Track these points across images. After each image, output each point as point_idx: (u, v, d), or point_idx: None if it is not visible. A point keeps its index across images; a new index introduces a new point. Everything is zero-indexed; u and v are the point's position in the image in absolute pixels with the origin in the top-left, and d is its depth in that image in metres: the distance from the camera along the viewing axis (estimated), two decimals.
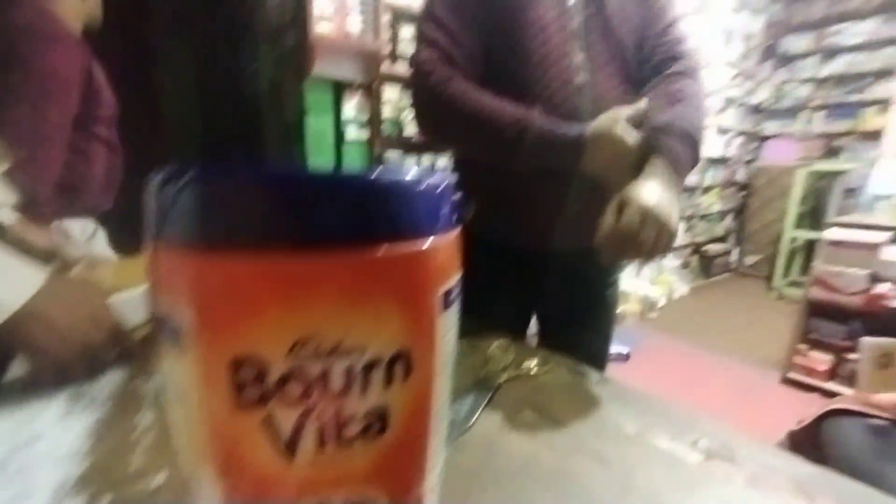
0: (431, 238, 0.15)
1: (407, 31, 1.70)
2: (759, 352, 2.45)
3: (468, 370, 0.57)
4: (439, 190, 0.16)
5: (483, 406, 0.48)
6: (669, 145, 0.60)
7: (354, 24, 1.55)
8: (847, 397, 0.87)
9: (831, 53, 3.87)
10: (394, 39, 1.70)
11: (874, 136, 3.26)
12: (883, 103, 3.25)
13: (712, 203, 3.98)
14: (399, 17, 1.68)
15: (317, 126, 1.68)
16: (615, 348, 2.37)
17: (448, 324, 0.18)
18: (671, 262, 3.64)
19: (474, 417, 0.47)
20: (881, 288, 1.85)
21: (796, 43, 4.05)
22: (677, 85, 0.66)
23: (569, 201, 0.70)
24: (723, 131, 3.90)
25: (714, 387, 2.17)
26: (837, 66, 3.83)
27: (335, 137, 1.72)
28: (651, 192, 0.56)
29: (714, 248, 4.03)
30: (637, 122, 0.61)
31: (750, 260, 4.22)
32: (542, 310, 0.87)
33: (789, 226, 3.62)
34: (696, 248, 3.92)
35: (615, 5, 0.68)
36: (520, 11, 0.66)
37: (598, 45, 0.68)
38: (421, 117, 0.71)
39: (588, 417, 0.48)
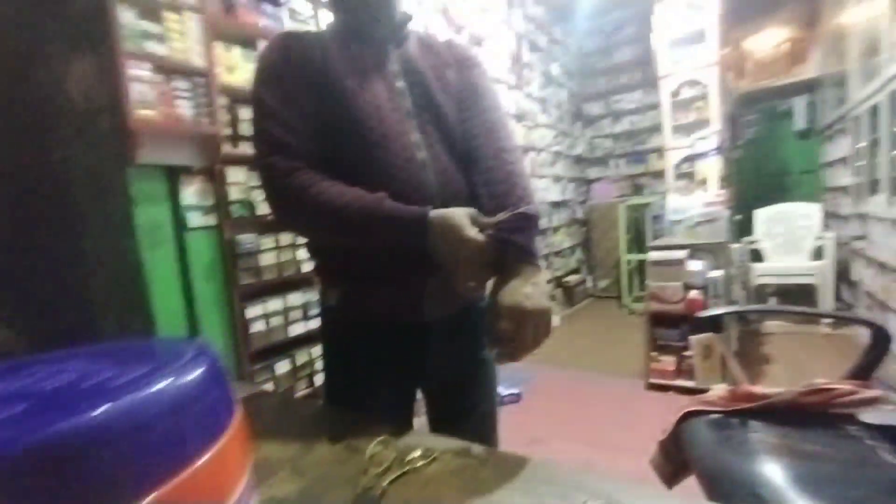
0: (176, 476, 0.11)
1: (246, 113, 1.64)
2: (626, 364, 2.76)
3: (349, 481, 0.50)
4: (189, 397, 0.12)
5: None
6: (517, 242, 0.64)
7: (186, 107, 1.45)
8: (691, 399, 1.00)
9: (618, 115, 5.04)
10: (233, 122, 1.62)
11: (661, 175, 4.18)
12: (659, 151, 4.23)
13: (562, 240, 4.55)
14: (236, 99, 1.62)
15: (151, 216, 1.49)
16: (508, 391, 2.43)
17: None
18: None
19: None
20: (693, 294, 2.28)
21: (593, 108, 5.20)
22: (507, 168, 0.71)
23: (433, 271, 0.70)
24: (558, 179, 4.59)
25: (597, 405, 2.36)
26: (623, 125, 5.01)
27: (175, 226, 1.54)
28: (515, 292, 0.60)
29: (572, 278, 4.56)
30: (484, 227, 0.63)
31: (602, 284, 4.86)
32: (425, 383, 0.84)
33: (622, 251, 4.33)
34: (559, 281, 4.38)
35: (437, 87, 0.73)
36: (352, 96, 0.68)
37: (430, 124, 0.72)
38: (274, 211, 0.70)
39: None
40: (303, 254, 1.80)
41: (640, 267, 4.06)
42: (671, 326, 2.38)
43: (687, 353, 2.33)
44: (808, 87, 4.17)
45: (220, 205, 1.60)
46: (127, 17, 1.29)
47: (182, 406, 0.11)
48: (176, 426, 0.10)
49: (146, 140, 1.36)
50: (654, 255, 2.44)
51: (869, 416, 0.52)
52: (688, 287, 2.30)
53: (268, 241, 1.71)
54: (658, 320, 2.42)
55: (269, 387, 1.70)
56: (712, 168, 3.43)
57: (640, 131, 4.82)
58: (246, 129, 1.64)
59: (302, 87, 0.67)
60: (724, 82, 3.59)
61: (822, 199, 3.75)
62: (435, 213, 0.63)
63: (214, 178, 1.58)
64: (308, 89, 0.67)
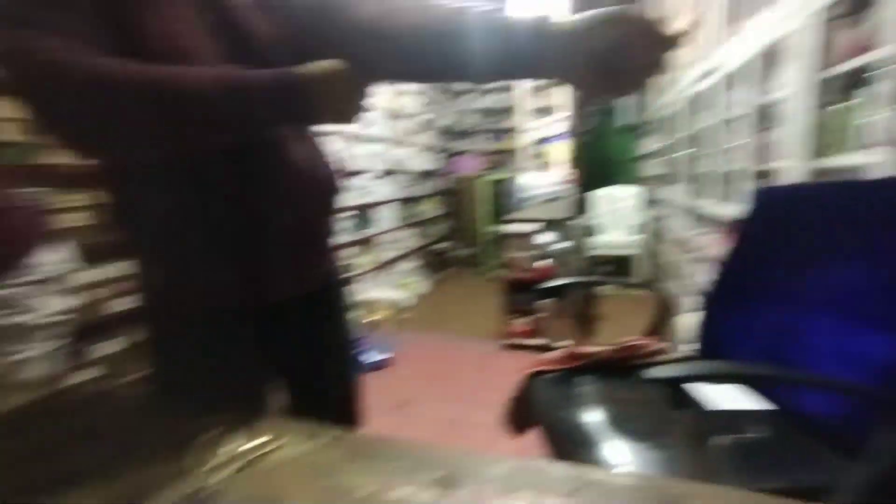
0: None
1: None
2: (487, 326, 2.99)
3: (176, 482, 0.43)
4: None
5: None
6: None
7: None
8: (535, 360, 1.12)
9: (483, 92, 5.20)
10: None
11: (513, 153, 4.55)
12: (512, 130, 4.58)
13: (429, 209, 4.67)
14: None
15: None
16: (376, 357, 2.46)
17: None
18: (410, 264, 4.07)
19: None
20: (543, 263, 2.56)
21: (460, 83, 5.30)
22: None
23: (271, 248, 0.62)
24: (426, 149, 4.65)
25: (460, 366, 2.54)
26: (486, 102, 5.22)
27: None
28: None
29: (441, 246, 4.75)
30: None
31: (467, 252, 5.17)
32: (279, 370, 0.76)
33: (482, 223, 4.64)
34: (428, 249, 4.53)
35: (261, 31, 0.60)
36: (152, 28, 0.51)
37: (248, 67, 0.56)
38: (58, 113, 0.45)
39: (325, 492, 0.42)
40: None
41: (500, 237, 4.43)
42: (524, 292, 2.65)
43: (538, 316, 2.64)
44: None
45: None
46: None
47: None
48: None
49: None
50: (508, 228, 2.67)
51: (647, 371, 0.67)
52: (538, 257, 2.58)
53: (70, 200, 1.35)
54: (513, 287, 2.67)
55: (88, 373, 1.41)
56: (561, 150, 3.84)
57: (502, 110, 5.06)
58: None
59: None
60: None
61: (644, 184, 4.53)
62: (302, 71, 0.51)
63: None
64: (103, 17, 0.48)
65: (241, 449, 0.48)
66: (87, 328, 1.39)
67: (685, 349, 1.22)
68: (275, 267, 0.64)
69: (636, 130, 4.75)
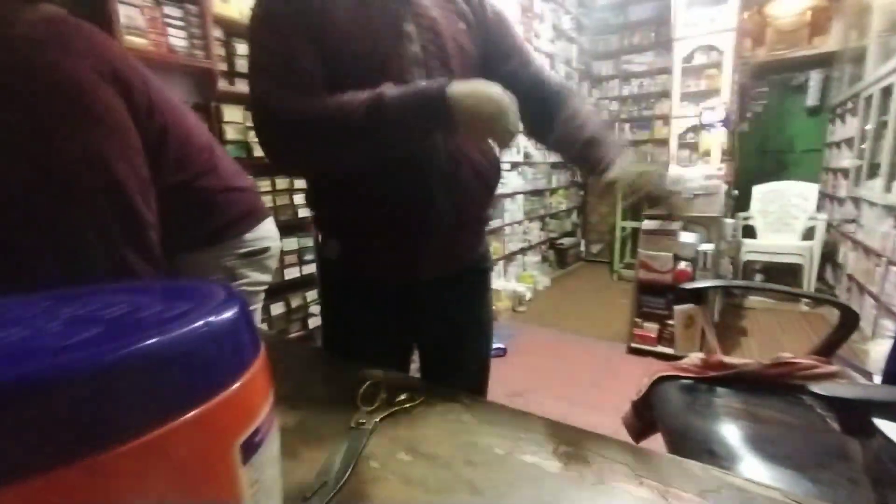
0: (209, 401, 0.12)
1: (242, 48, 1.57)
2: (610, 328, 2.85)
3: (339, 418, 0.54)
4: (217, 333, 0.13)
5: (356, 458, 0.46)
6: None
7: (178, 37, 1.37)
8: (665, 365, 1.05)
9: (627, 77, 4.81)
10: (229, 56, 1.56)
11: (664, 143, 4.11)
12: (665, 118, 4.12)
13: (560, 202, 4.54)
14: (232, 32, 1.54)
15: None
16: (493, 345, 2.52)
17: (258, 468, 0.15)
18: (532, 258, 4.04)
19: (347, 474, 0.45)
20: (682, 265, 2.32)
21: (602, 68, 4.95)
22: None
23: (433, 230, 0.71)
24: None
25: (577, 365, 2.46)
26: (632, 88, 4.78)
27: None
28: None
29: (566, 241, 4.60)
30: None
31: (594, 249, 4.91)
32: (420, 340, 0.86)
33: (618, 218, 4.33)
34: (552, 243, 4.43)
35: (448, 34, 0.70)
36: (355, 44, 0.64)
37: (437, 72, 0.68)
38: (271, 146, 0.64)
39: (460, 446, 0.49)
40: (299, 199, 1.80)
41: (634, 234, 4.10)
42: (657, 295, 2.44)
43: (670, 322, 2.41)
44: (825, 61, 4.04)
45: None
46: None
47: (222, 338, 0.13)
48: (217, 355, 0.13)
49: None
50: (647, 224, 2.46)
51: (819, 387, 0.56)
52: (678, 258, 2.34)
53: (264, 185, 1.69)
54: (645, 288, 2.48)
55: (263, 328, 1.75)
56: (716, 140, 3.38)
57: (647, 96, 4.64)
58: (243, 65, 1.58)
59: (301, 34, 0.62)
60: (740, 50, 3.45)
61: (821, 179, 3.75)
62: (459, 87, 0.58)
63: (210, 117, 1.54)
64: (308, 37, 0.62)
65: (392, 399, 0.57)
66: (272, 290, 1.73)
67: (869, 381, 1.01)
68: (434, 248, 0.73)
69: (820, 114, 3.93)
